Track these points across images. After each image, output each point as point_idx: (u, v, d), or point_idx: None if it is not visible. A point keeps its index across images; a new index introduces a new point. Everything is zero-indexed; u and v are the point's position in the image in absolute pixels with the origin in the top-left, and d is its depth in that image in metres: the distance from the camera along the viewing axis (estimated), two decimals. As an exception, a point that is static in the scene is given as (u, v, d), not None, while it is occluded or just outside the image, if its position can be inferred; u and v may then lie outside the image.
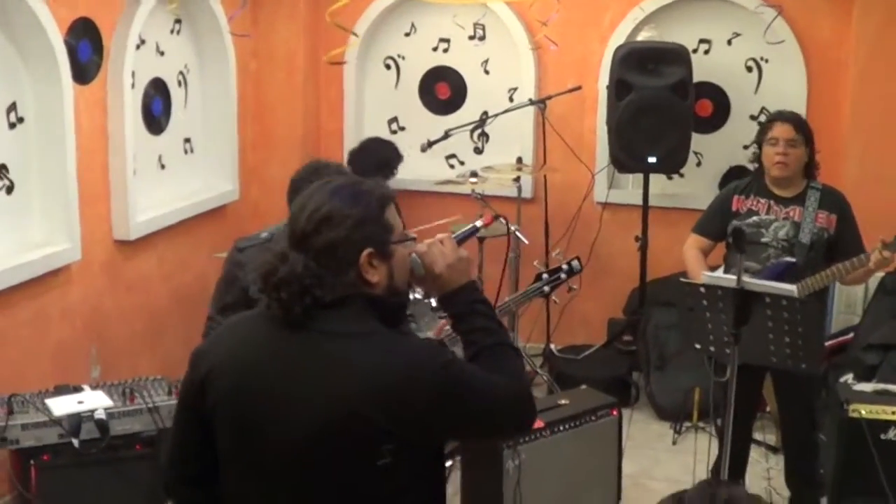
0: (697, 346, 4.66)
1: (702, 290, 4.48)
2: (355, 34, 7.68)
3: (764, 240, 5.26)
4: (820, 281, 5.06)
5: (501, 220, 4.78)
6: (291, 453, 2.59)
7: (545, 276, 4.64)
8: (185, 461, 2.83)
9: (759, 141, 5.40)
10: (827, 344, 6.77)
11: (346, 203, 2.63)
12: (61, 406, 4.85)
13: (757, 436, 6.54)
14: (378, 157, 7.44)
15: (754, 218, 5.32)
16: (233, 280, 4.65)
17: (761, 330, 4.35)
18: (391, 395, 2.52)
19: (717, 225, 5.48)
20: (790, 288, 4.46)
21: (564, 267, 4.65)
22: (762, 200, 5.35)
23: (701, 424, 6.67)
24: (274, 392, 2.60)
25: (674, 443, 6.65)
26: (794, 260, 5.16)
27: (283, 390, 2.59)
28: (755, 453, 6.42)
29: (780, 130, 5.27)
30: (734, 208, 5.41)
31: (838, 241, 5.25)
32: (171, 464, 2.87)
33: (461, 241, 2.98)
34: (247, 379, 2.65)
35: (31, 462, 4.74)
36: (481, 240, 7.00)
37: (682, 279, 4.70)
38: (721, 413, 5.81)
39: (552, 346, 7.77)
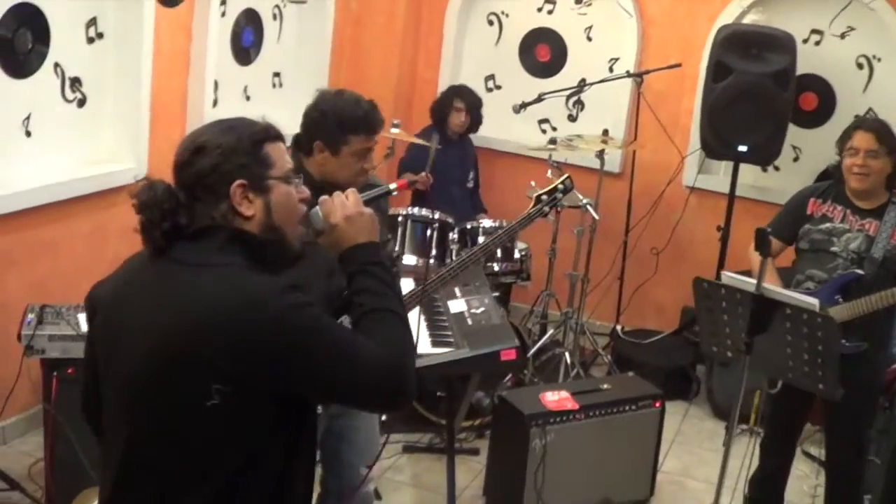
0: (714, 349, 4.45)
1: (722, 291, 4.26)
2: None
3: (833, 249, 5.01)
4: (867, 305, 4.80)
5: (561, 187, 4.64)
6: (125, 386, 2.52)
7: (544, 197, 4.50)
8: (87, 391, 2.77)
9: (840, 148, 5.12)
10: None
11: (219, 134, 2.57)
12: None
13: (812, 450, 6.34)
14: (444, 100, 7.55)
15: (827, 225, 5.07)
16: None
17: (780, 342, 4.10)
18: (224, 330, 2.37)
19: (788, 226, 5.24)
20: (812, 301, 4.20)
21: (560, 187, 4.51)
22: (839, 208, 5.09)
23: (757, 429, 6.44)
24: (125, 323, 2.54)
25: (724, 444, 6.44)
26: (861, 272, 4.91)
27: (133, 321, 2.51)
28: (806, 468, 6.24)
29: (861, 140, 4.97)
30: (809, 212, 5.16)
31: None
32: (82, 393, 2.81)
33: (369, 201, 2.85)
34: (111, 310, 2.61)
35: (55, 373, 4.74)
36: (558, 210, 6.87)
37: (698, 277, 4.44)
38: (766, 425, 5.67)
39: (619, 328, 7.61)
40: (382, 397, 2.58)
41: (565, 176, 4.59)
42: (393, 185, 3.18)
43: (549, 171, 4.99)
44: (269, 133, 2.63)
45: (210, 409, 2.39)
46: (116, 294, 2.62)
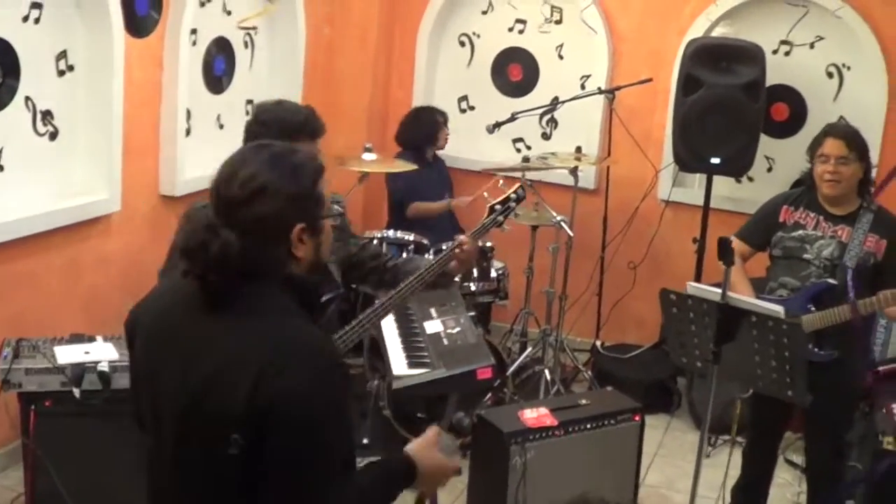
0: (683, 359, 4.46)
1: (689, 301, 4.27)
2: (270, 1, 7.36)
3: (806, 256, 5.03)
4: (837, 315, 4.83)
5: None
6: (168, 424, 2.49)
7: (498, 206, 4.50)
8: (134, 403, 2.72)
9: (811, 155, 5.14)
10: (880, 370, 6.53)
11: (283, 175, 2.48)
12: (67, 355, 4.83)
13: (794, 458, 6.35)
14: (424, 122, 7.52)
15: (800, 232, 5.09)
16: None
17: (748, 350, 4.12)
18: (251, 375, 2.34)
19: (761, 233, 5.27)
20: (777, 308, 4.21)
21: (513, 196, 4.51)
22: (811, 215, 5.11)
23: (739, 439, 6.45)
24: (167, 359, 2.50)
25: (707, 455, 6.44)
26: (834, 282, 4.93)
27: (176, 361, 2.48)
28: (788, 475, 6.25)
29: (831, 147, 4.99)
30: (782, 219, 5.18)
31: (885, 268, 4.98)
32: (133, 411, 2.75)
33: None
34: (154, 342, 2.58)
35: (32, 407, 4.72)
36: (534, 228, 6.89)
37: (664, 289, 4.45)
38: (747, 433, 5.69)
39: (598, 343, 7.62)
40: None
41: (517, 185, 4.59)
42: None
43: (501, 181, 5.01)
44: (322, 170, 2.59)
45: (231, 457, 2.36)
46: (161, 325, 2.60)
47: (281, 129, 3.93)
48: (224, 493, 2.44)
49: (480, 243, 5.87)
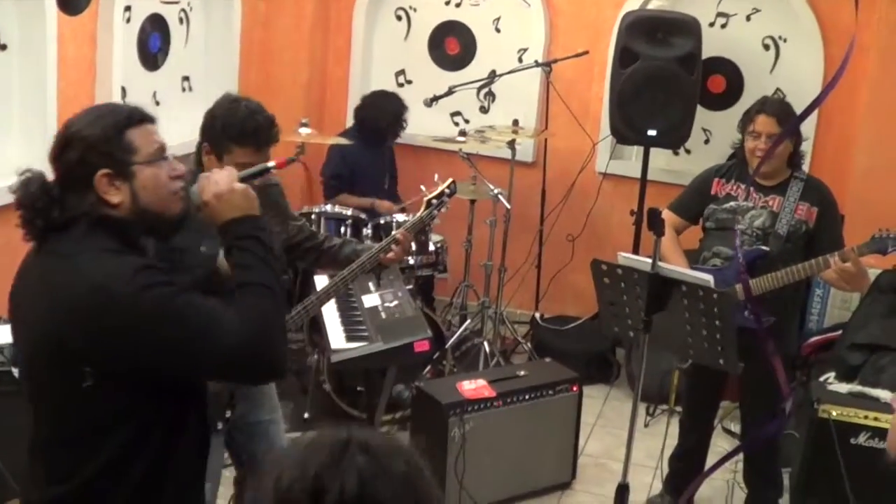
0: (615, 328, 4.50)
1: (619, 271, 4.31)
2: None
3: (739, 227, 5.08)
4: (773, 281, 4.89)
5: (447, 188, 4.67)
6: (24, 371, 2.78)
7: (434, 201, 4.55)
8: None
9: (742, 130, 5.18)
10: (814, 340, 6.63)
11: (85, 125, 2.65)
12: (5, 335, 4.79)
13: (731, 426, 6.42)
14: (391, 111, 7.40)
15: (731, 203, 5.16)
16: None
17: (679, 320, 4.16)
18: (79, 315, 2.53)
19: (693, 206, 5.33)
20: (706, 277, 4.25)
21: (447, 191, 4.56)
22: (742, 186, 5.17)
23: (677, 409, 6.52)
24: (19, 314, 2.75)
25: (646, 425, 6.52)
26: (766, 249, 5.00)
27: (23, 312, 2.72)
28: (725, 444, 6.32)
29: (763, 124, 5.03)
30: (713, 192, 5.24)
31: (816, 235, 5.05)
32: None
33: (247, 178, 2.92)
34: (12, 302, 2.78)
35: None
36: (472, 202, 6.91)
37: (595, 259, 4.48)
38: (683, 403, 5.76)
39: (538, 315, 7.66)
40: (243, 370, 2.68)
41: (450, 181, 4.64)
42: (272, 163, 3.17)
43: (436, 176, 5.06)
44: (133, 118, 2.69)
45: (86, 390, 2.56)
46: (16, 285, 2.77)
47: (224, 129, 3.91)
48: (79, 427, 2.67)
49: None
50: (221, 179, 2.79)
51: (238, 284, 2.70)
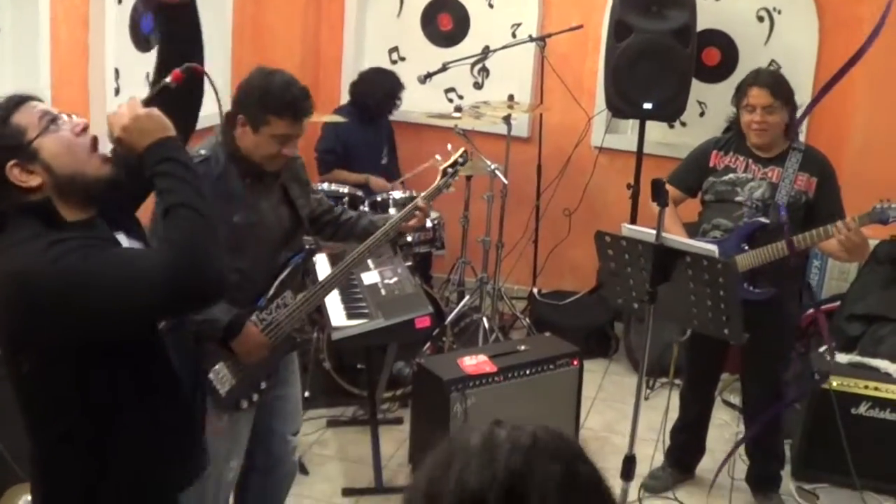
0: (620, 300, 4.48)
1: (623, 243, 4.29)
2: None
3: (738, 199, 5.08)
4: (775, 251, 4.88)
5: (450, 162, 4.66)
6: None
7: (449, 169, 4.53)
8: None
9: (737, 104, 5.17)
10: (812, 311, 6.63)
11: None
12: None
13: (732, 399, 6.43)
14: (384, 88, 7.37)
15: (731, 175, 5.14)
16: None
17: (684, 290, 4.15)
18: (8, 306, 2.55)
19: (691, 178, 5.32)
20: (711, 248, 4.24)
21: (460, 159, 4.54)
22: (741, 158, 5.15)
23: (677, 381, 6.52)
24: None
25: (646, 398, 6.51)
26: (766, 221, 4.99)
27: None
28: (726, 416, 6.34)
29: (757, 97, 5.00)
30: (712, 164, 5.23)
31: (816, 206, 5.04)
32: None
33: (149, 101, 2.81)
34: None
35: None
36: (468, 178, 6.90)
37: (599, 231, 4.45)
38: (684, 376, 5.76)
39: (536, 291, 7.66)
40: (183, 298, 2.61)
41: (462, 150, 4.61)
42: (169, 79, 2.95)
43: (450, 145, 5.02)
44: (10, 105, 2.66)
45: (26, 375, 2.64)
46: None
47: (262, 101, 3.87)
48: (43, 410, 2.74)
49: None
50: (123, 111, 2.70)
51: (163, 210, 2.63)
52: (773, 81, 5.07)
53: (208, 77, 3.02)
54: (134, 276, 2.52)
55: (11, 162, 2.59)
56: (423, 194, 4.50)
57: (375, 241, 4.26)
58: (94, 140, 2.72)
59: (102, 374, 2.68)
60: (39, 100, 2.73)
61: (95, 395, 2.68)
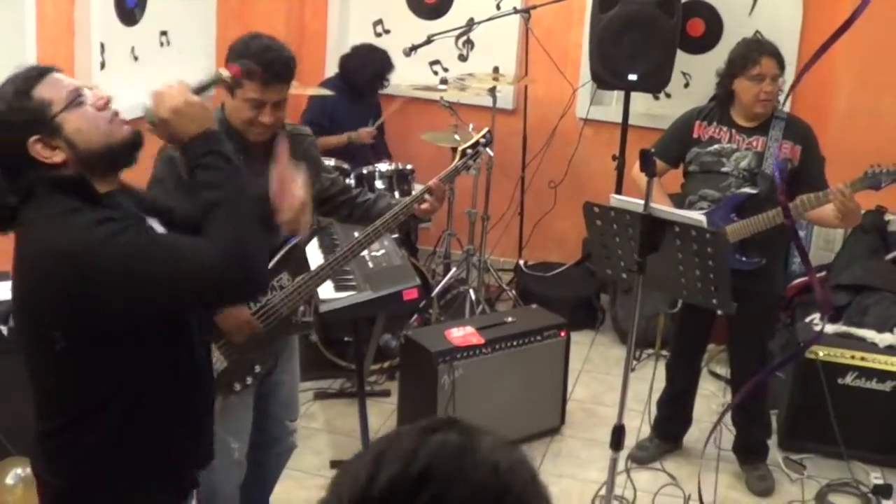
0: (608, 271, 4.49)
1: (611, 213, 4.29)
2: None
3: (724, 169, 5.09)
4: (767, 220, 4.90)
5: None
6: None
7: (469, 151, 4.48)
8: None
9: (735, 73, 5.12)
10: (798, 281, 6.66)
11: None
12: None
13: (718, 370, 6.46)
14: (374, 68, 7.34)
15: (715, 146, 5.15)
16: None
17: (672, 260, 4.15)
18: (51, 284, 2.52)
19: (674, 149, 5.32)
20: (699, 217, 4.25)
21: (482, 140, 4.48)
22: (724, 129, 5.16)
23: (663, 353, 6.55)
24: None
25: (632, 369, 6.51)
26: (754, 191, 5.01)
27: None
28: (713, 387, 6.37)
29: (768, 66, 4.98)
30: (695, 135, 5.23)
31: (801, 173, 5.05)
32: None
33: (201, 90, 2.82)
34: None
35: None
36: (454, 150, 6.87)
37: (587, 202, 4.44)
38: (670, 347, 5.78)
39: (522, 262, 7.68)
40: (225, 291, 2.65)
41: (485, 130, 4.54)
42: (226, 73, 3.01)
43: (471, 126, 4.98)
44: (31, 77, 2.62)
45: (60, 352, 2.58)
46: None
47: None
48: (56, 384, 2.71)
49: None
50: (175, 92, 2.69)
51: (208, 204, 2.63)
52: (777, 51, 5.09)
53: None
54: (180, 267, 2.54)
55: (34, 137, 2.56)
56: (439, 175, 4.35)
57: (384, 223, 4.15)
58: (116, 114, 2.69)
59: (136, 356, 2.67)
60: (60, 70, 2.69)
61: (126, 376, 2.67)
